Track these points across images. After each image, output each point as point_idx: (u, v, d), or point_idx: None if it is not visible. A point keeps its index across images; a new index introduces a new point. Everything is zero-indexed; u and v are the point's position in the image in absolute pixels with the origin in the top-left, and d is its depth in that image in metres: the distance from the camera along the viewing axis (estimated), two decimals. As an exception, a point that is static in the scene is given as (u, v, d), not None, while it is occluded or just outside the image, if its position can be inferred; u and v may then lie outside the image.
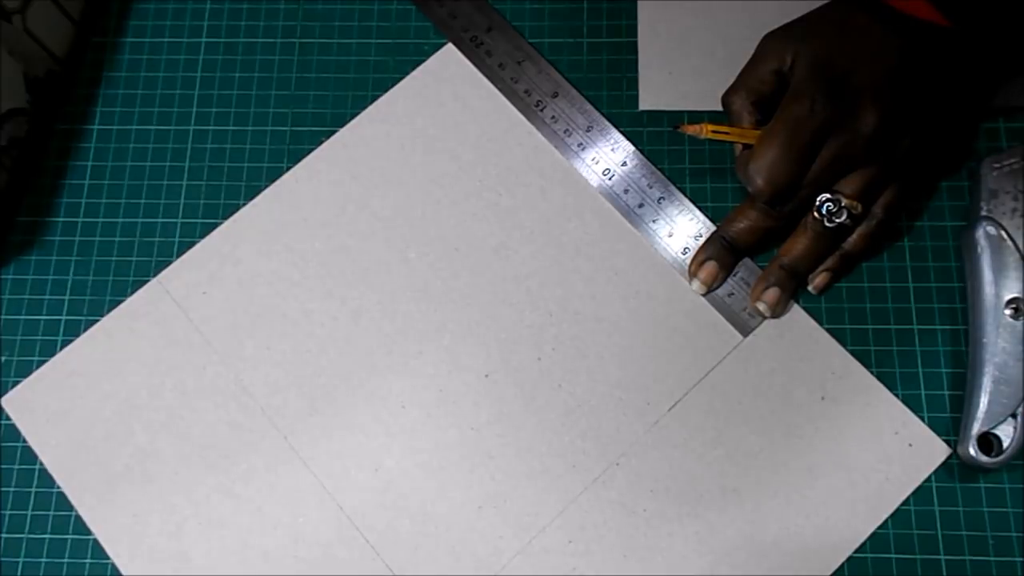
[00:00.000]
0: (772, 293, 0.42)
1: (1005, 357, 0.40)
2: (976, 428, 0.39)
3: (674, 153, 0.46)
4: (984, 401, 0.40)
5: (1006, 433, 0.39)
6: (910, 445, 0.41)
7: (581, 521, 0.41)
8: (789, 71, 0.40)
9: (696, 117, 0.46)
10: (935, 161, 0.44)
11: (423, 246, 0.45)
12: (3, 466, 0.43)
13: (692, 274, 0.43)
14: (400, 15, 0.49)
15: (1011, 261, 0.41)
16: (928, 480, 0.40)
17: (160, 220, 0.46)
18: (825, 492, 0.40)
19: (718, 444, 0.41)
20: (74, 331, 0.45)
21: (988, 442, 0.40)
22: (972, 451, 0.39)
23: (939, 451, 0.41)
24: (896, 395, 0.42)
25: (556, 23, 0.48)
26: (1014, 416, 0.39)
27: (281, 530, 0.41)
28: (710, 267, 0.42)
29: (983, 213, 0.41)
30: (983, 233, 0.41)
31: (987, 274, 0.41)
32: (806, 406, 0.42)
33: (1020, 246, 0.41)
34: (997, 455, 0.39)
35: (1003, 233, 0.41)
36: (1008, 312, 0.40)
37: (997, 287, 0.40)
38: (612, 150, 0.45)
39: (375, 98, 0.47)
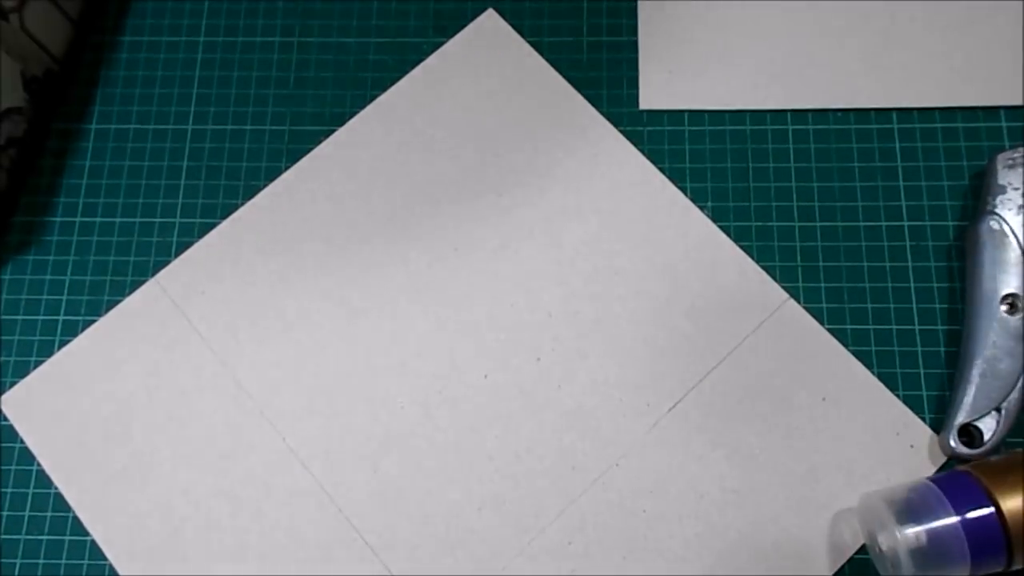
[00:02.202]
0: None
1: (995, 351, 0.40)
2: (959, 419, 0.39)
3: (674, 153, 0.45)
4: (970, 393, 0.40)
5: (988, 426, 0.39)
6: (911, 446, 0.41)
7: (581, 522, 0.40)
8: None
9: (696, 117, 0.46)
10: None
11: (423, 246, 0.45)
12: (1, 467, 0.43)
13: None
14: (399, 14, 0.49)
15: (1012, 257, 0.40)
16: (929, 481, 0.40)
17: (158, 220, 0.46)
18: (826, 493, 0.40)
19: (718, 445, 0.41)
20: (72, 331, 0.44)
21: (969, 434, 0.40)
22: (952, 441, 0.39)
23: (940, 452, 0.41)
24: (897, 396, 0.41)
25: (556, 23, 0.48)
26: (998, 410, 0.39)
27: (279, 531, 0.41)
28: None
29: (989, 208, 0.41)
30: (986, 227, 0.41)
31: (987, 268, 0.41)
32: (807, 407, 0.41)
33: (1022, 242, 0.41)
34: (978, 447, 0.39)
35: (1006, 228, 0.41)
36: (1003, 307, 0.40)
37: (995, 282, 0.40)
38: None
39: (374, 97, 0.47)
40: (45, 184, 0.47)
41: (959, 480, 0.36)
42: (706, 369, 0.42)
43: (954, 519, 0.35)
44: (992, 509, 0.35)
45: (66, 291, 0.45)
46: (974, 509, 0.35)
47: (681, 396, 0.42)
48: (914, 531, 0.35)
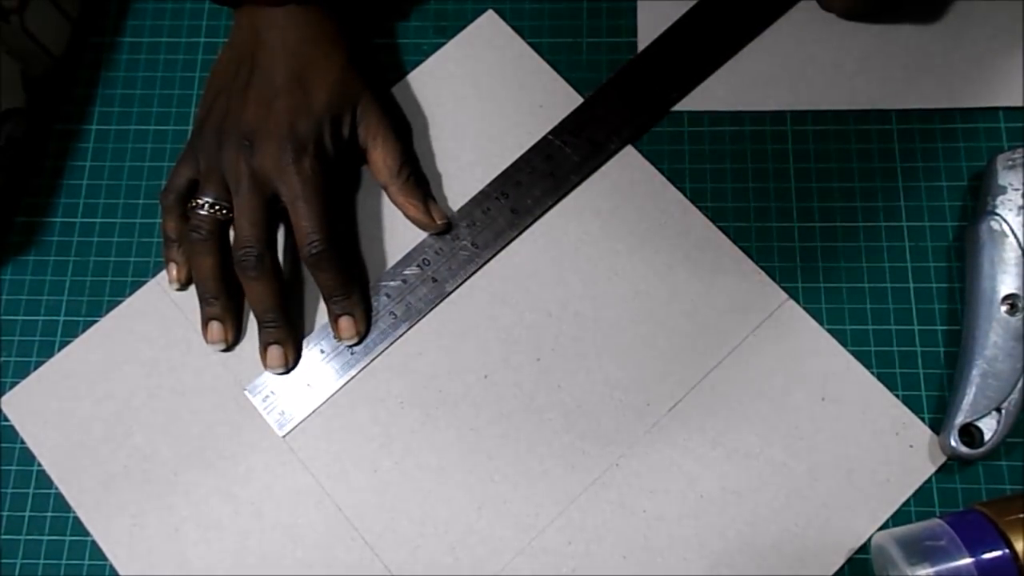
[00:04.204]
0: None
1: (995, 351, 0.40)
2: (959, 419, 0.39)
3: (674, 153, 0.46)
4: (971, 393, 0.40)
5: (989, 426, 0.39)
6: (911, 446, 0.41)
7: (581, 522, 0.41)
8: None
9: (695, 118, 0.46)
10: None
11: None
12: (1, 467, 0.43)
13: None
14: (400, 15, 0.49)
15: (1011, 257, 0.41)
16: (929, 481, 0.40)
17: (159, 221, 0.46)
18: (825, 493, 0.40)
19: (718, 445, 0.41)
20: (72, 332, 0.44)
21: (970, 434, 0.40)
22: (953, 441, 0.39)
23: (939, 452, 0.41)
24: (897, 396, 0.41)
25: (556, 23, 0.48)
26: (998, 410, 0.39)
27: (280, 531, 0.41)
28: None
29: (989, 208, 0.41)
30: (986, 227, 0.41)
31: (986, 268, 0.41)
32: (806, 407, 0.41)
33: (1022, 243, 0.41)
34: (978, 447, 0.39)
35: (1006, 228, 0.41)
36: (1004, 308, 0.40)
37: (995, 282, 0.40)
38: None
39: (374, 98, 0.47)
40: (46, 185, 0.47)
41: (972, 520, 0.36)
42: (706, 369, 0.42)
43: (968, 560, 0.35)
44: (1007, 550, 0.35)
45: (66, 292, 0.45)
46: (988, 550, 0.35)
47: (681, 396, 0.42)
48: (926, 572, 0.35)
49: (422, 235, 0.45)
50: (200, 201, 0.41)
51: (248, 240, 0.41)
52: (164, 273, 0.44)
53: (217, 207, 0.41)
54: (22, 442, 0.43)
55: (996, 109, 0.45)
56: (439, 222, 0.44)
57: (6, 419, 0.43)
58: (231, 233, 0.42)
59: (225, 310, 0.43)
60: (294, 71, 0.42)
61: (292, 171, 0.41)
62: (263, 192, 0.41)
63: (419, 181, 0.44)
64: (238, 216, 0.41)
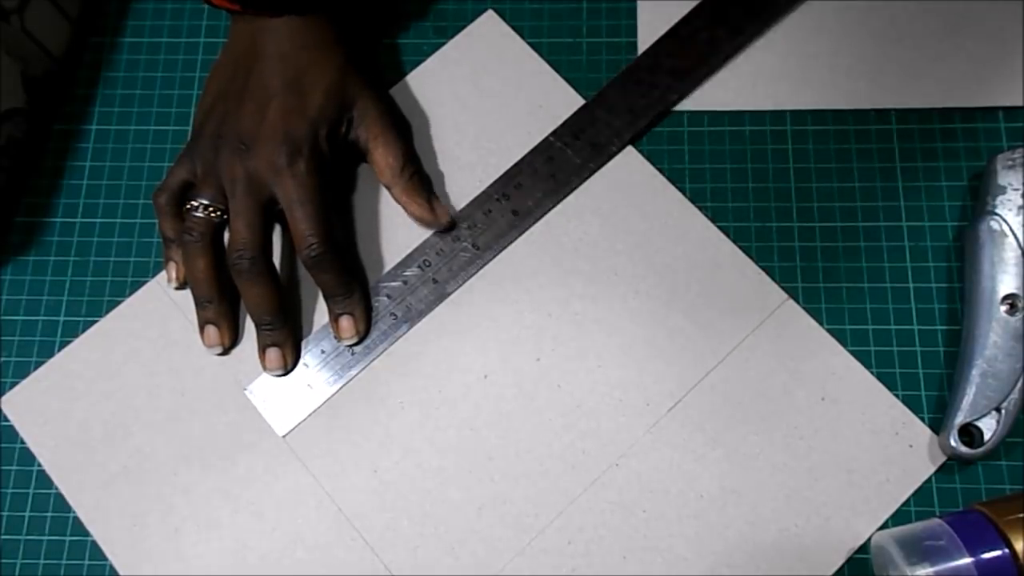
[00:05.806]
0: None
1: (995, 351, 0.40)
2: (959, 419, 0.39)
3: (673, 153, 0.46)
4: (970, 393, 0.40)
5: (988, 426, 0.39)
6: (910, 446, 0.41)
7: (580, 522, 0.41)
8: None
9: (695, 118, 0.46)
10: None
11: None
12: (1, 467, 0.43)
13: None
14: (400, 15, 0.49)
15: (1011, 257, 0.41)
16: (928, 481, 0.40)
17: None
18: (825, 493, 0.40)
19: (718, 445, 0.41)
20: (72, 332, 0.44)
21: (969, 433, 0.40)
22: (952, 441, 0.39)
23: (939, 452, 0.41)
24: (896, 395, 0.42)
25: (556, 23, 0.48)
26: (998, 410, 0.39)
27: (280, 531, 0.41)
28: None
29: (989, 208, 0.42)
30: (986, 227, 0.41)
31: (986, 268, 0.41)
32: (806, 406, 0.41)
33: (1022, 243, 0.41)
34: (978, 447, 0.39)
35: (1006, 228, 0.41)
36: (1003, 308, 0.40)
37: (994, 282, 0.40)
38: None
39: (374, 98, 0.47)
40: (45, 185, 0.47)
41: (971, 520, 0.36)
42: (706, 369, 0.42)
43: (967, 560, 0.35)
44: (1007, 550, 0.34)
45: (67, 292, 0.45)
46: (988, 550, 0.35)
47: (681, 396, 0.42)
48: (926, 572, 0.35)
49: (423, 236, 0.45)
50: (195, 203, 0.41)
51: (243, 243, 0.41)
52: (164, 273, 0.44)
53: (212, 208, 0.41)
54: (22, 442, 0.43)
55: (996, 109, 0.45)
56: (443, 219, 0.44)
57: (6, 419, 0.43)
58: (227, 236, 0.42)
59: (220, 314, 0.43)
60: (290, 76, 0.42)
61: (287, 174, 0.41)
62: (259, 195, 0.41)
63: (422, 180, 0.44)
64: (234, 219, 0.41)
